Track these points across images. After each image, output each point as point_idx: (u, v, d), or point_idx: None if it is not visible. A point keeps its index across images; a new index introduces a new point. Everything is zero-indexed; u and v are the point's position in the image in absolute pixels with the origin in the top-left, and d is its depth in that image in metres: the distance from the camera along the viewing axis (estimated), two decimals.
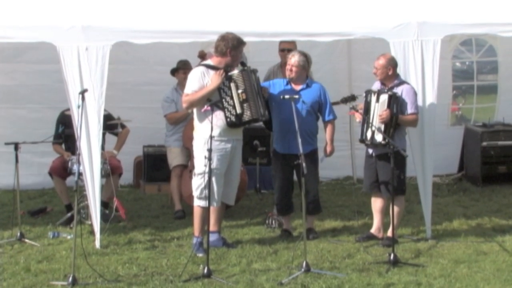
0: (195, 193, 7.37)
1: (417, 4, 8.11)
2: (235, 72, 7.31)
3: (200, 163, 7.30)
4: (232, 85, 7.23)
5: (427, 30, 7.70)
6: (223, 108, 7.23)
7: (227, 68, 7.31)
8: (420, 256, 7.31)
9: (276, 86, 7.79)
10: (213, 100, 7.19)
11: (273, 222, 8.30)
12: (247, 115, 7.27)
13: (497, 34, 8.39)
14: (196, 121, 7.43)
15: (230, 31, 7.34)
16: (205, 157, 6.95)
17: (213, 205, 7.29)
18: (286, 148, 7.71)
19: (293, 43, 9.11)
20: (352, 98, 8.95)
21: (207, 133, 7.09)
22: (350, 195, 9.80)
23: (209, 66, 7.37)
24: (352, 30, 7.87)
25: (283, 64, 9.33)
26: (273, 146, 8.01)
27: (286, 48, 9.11)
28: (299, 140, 7.02)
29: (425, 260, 7.17)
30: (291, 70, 7.72)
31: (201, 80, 7.28)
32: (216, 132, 7.14)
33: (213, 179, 7.15)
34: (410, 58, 7.71)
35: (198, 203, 7.36)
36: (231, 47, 7.25)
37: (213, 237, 7.35)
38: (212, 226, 7.38)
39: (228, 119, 7.25)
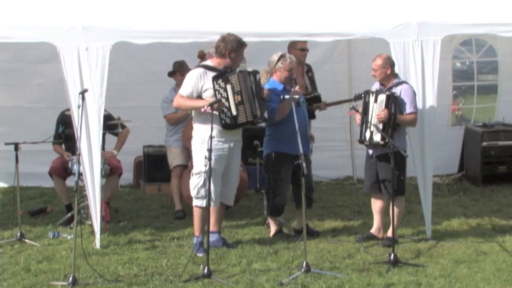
0: (193, 192, 7.36)
1: (417, 4, 8.11)
2: (232, 74, 7.25)
3: (197, 163, 7.30)
4: (228, 86, 7.18)
5: (427, 30, 7.70)
6: (211, 111, 7.15)
7: (227, 70, 7.29)
8: (420, 256, 7.31)
9: (276, 95, 7.61)
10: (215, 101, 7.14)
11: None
12: (242, 118, 7.24)
13: (497, 34, 8.39)
14: (194, 121, 7.43)
15: (230, 31, 7.33)
16: (205, 157, 6.94)
17: (210, 205, 7.27)
18: (299, 149, 7.69)
19: (307, 41, 9.06)
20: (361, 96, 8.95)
21: (205, 133, 7.10)
22: (350, 195, 9.81)
23: (208, 67, 7.34)
24: (352, 30, 7.87)
25: (299, 63, 9.27)
26: (279, 149, 7.74)
27: (306, 47, 9.02)
28: (299, 140, 7.02)
29: (425, 260, 7.17)
30: (292, 76, 7.71)
31: (197, 83, 7.25)
32: (214, 133, 7.12)
33: (211, 179, 7.14)
34: (410, 58, 7.71)
35: (196, 203, 7.36)
36: (231, 49, 7.22)
37: (213, 237, 7.34)
38: (212, 226, 7.37)
39: (223, 121, 7.21)
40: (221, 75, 7.22)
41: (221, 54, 7.26)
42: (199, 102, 7.22)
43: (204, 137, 7.15)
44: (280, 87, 7.70)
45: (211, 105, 7.03)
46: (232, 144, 7.39)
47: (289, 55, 7.77)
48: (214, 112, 7.13)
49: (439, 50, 7.71)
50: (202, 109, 7.18)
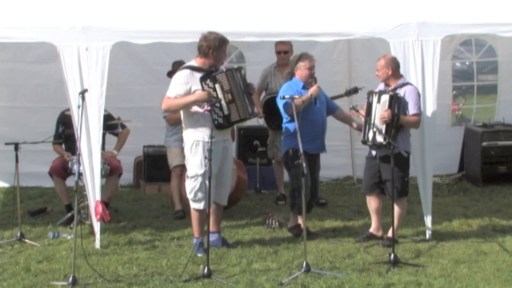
0: (190, 196, 7.33)
1: (417, 4, 8.11)
2: (219, 73, 7.20)
3: (192, 167, 7.27)
4: (217, 86, 7.13)
5: (427, 30, 7.70)
6: (210, 111, 7.13)
7: (212, 69, 7.24)
8: (420, 256, 7.31)
9: (293, 90, 7.64)
10: (214, 101, 7.12)
11: (273, 222, 8.30)
12: (234, 116, 7.20)
13: (497, 34, 8.39)
14: (185, 126, 7.35)
15: (230, 31, 7.32)
16: (205, 157, 6.94)
17: (206, 206, 7.23)
18: (316, 148, 7.80)
19: (288, 44, 9.14)
20: (355, 90, 9.02)
21: (198, 135, 7.13)
22: (350, 195, 9.79)
23: (193, 68, 7.26)
24: (352, 30, 7.88)
25: (280, 65, 9.36)
26: (297, 146, 7.77)
27: (282, 50, 9.17)
28: (299, 140, 7.04)
29: (425, 260, 7.17)
30: (313, 74, 7.77)
31: (184, 84, 7.18)
32: (206, 134, 7.12)
33: (206, 181, 7.11)
34: (410, 58, 7.71)
35: (194, 206, 7.33)
36: (213, 48, 7.15)
37: (212, 237, 7.34)
38: (211, 227, 7.36)
39: (216, 122, 7.14)
40: (208, 75, 7.17)
41: (204, 53, 7.20)
42: (188, 97, 7.16)
43: (197, 140, 7.15)
44: (300, 84, 7.74)
45: (212, 105, 7.02)
46: (224, 144, 7.35)
47: (310, 54, 7.81)
48: (207, 112, 7.11)
49: (439, 50, 7.72)
50: (202, 109, 7.14)
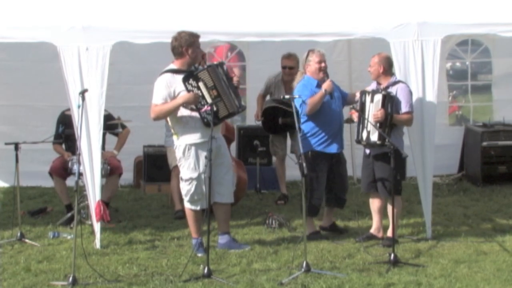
0: (186, 198, 7.32)
1: (417, 4, 8.12)
2: (200, 71, 7.14)
3: (185, 170, 7.23)
4: (201, 84, 7.07)
5: (427, 30, 7.71)
6: (197, 110, 7.10)
7: (192, 68, 7.20)
8: (420, 256, 7.31)
9: (308, 89, 7.61)
10: (215, 100, 7.10)
11: (273, 222, 8.30)
12: (223, 111, 7.14)
13: (497, 34, 8.39)
14: (174, 129, 7.30)
15: (230, 31, 7.33)
16: (205, 157, 6.93)
17: (203, 206, 7.24)
18: (337, 146, 7.81)
19: (294, 59, 9.09)
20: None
21: (189, 139, 7.11)
22: (350, 195, 9.76)
23: (174, 71, 7.21)
24: (352, 30, 7.88)
25: (285, 81, 9.31)
26: (315, 148, 7.71)
27: (288, 65, 9.13)
28: (299, 139, 7.03)
29: (425, 260, 7.17)
30: (324, 69, 7.70)
31: (168, 89, 7.12)
32: (197, 136, 7.11)
33: (201, 183, 7.13)
34: (410, 58, 7.71)
35: (190, 207, 7.32)
36: (186, 45, 7.11)
37: (223, 239, 7.37)
38: (219, 228, 7.34)
39: (205, 120, 7.09)
40: (190, 75, 7.11)
41: (180, 53, 7.16)
42: (176, 100, 7.09)
43: (190, 143, 7.13)
44: (314, 83, 7.67)
45: (211, 104, 7.01)
46: (217, 143, 7.24)
47: (317, 49, 7.75)
48: (195, 114, 7.09)
49: (439, 50, 7.73)
50: (202, 109, 7.11)
